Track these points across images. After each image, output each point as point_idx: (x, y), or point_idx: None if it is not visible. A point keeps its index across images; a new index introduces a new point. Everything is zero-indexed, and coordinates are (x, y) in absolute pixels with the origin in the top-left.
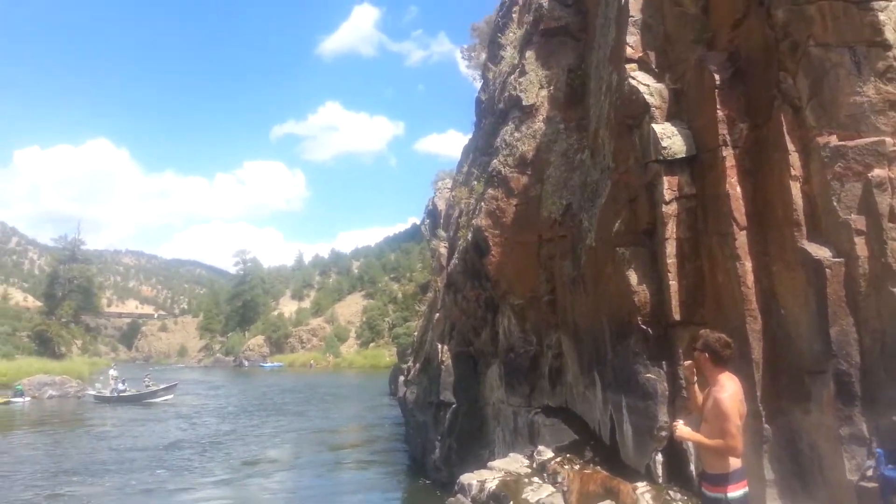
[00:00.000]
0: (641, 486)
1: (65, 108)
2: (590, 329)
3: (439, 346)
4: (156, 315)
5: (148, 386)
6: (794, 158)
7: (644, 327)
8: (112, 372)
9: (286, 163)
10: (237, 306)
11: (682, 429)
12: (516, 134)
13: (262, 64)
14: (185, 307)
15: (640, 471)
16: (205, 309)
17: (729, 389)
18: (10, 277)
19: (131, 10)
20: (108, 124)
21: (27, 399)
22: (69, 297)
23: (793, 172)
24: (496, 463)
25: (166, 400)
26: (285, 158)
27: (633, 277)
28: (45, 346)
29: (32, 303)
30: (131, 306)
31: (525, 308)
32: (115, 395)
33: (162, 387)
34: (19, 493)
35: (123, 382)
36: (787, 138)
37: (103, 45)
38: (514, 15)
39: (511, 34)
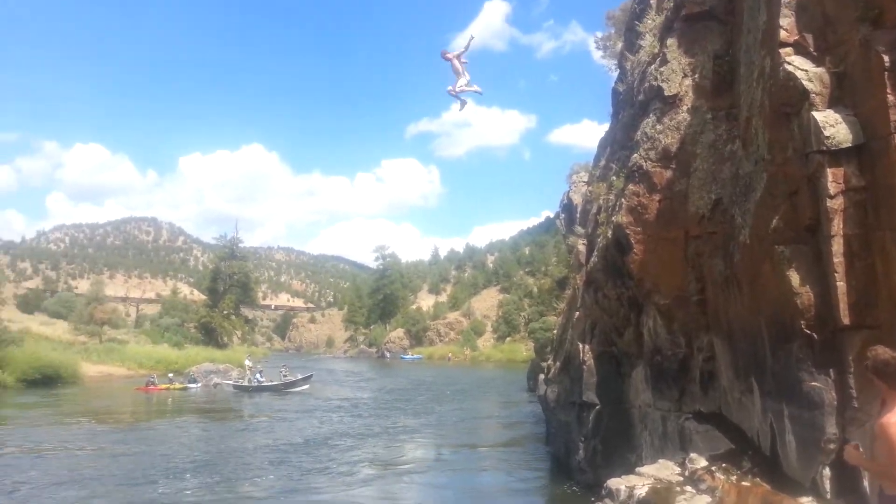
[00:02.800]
0: (807, 502)
1: (222, 116)
2: (746, 332)
3: (580, 345)
4: (305, 308)
5: (285, 376)
6: None
7: (808, 332)
8: (247, 362)
9: (421, 160)
10: (378, 300)
11: (852, 452)
12: (658, 126)
13: (396, 65)
14: (331, 300)
15: (804, 484)
16: (349, 302)
17: None
18: (179, 273)
19: (273, 20)
20: (260, 130)
21: (199, 384)
22: (230, 291)
23: None
24: (645, 469)
25: (303, 390)
26: (420, 156)
27: (794, 278)
28: (210, 336)
29: (198, 296)
30: (283, 299)
31: (672, 308)
32: (254, 384)
33: (299, 377)
34: (166, 481)
35: (260, 373)
36: None
37: (251, 56)
38: (651, 1)
39: (650, 21)
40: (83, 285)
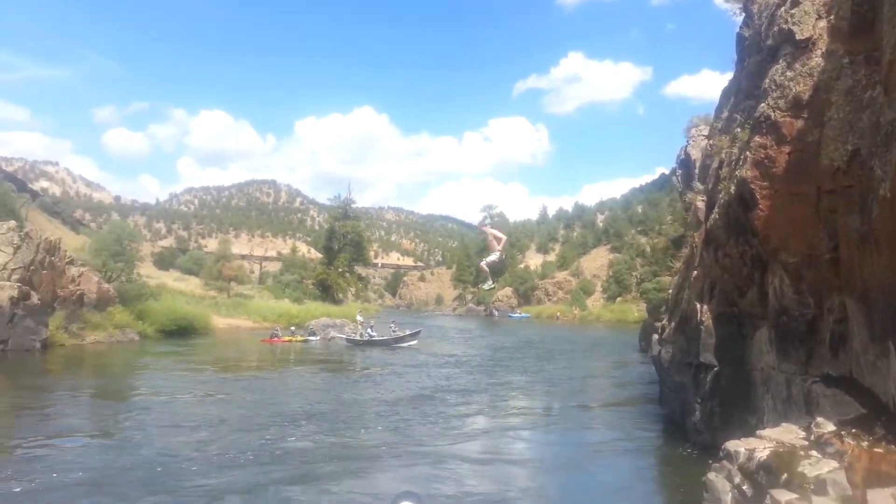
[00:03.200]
0: None
1: (335, 80)
2: (884, 292)
3: (698, 305)
4: (415, 266)
5: (394, 332)
6: None
7: None
8: (358, 318)
9: (529, 118)
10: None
11: None
12: (789, 73)
13: (502, 21)
14: (440, 259)
15: None
16: (457, 261)
17: None
18: (297, 232)
19: None
20: (371, 93)
21: (317, 338)
22: (344, 250)
23: None
24: (767, 432)
25: (411, 345)
26: (528, 114)
27: None
28: (326, 292)
29: (314, 255)
30: (394, 258)
31: (800, 267)
32: (365, 338)
33: (408, 332)
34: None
35: (371, 328)
36: None
37: (360, 22)
38: None
39: None
40: (211, 244)
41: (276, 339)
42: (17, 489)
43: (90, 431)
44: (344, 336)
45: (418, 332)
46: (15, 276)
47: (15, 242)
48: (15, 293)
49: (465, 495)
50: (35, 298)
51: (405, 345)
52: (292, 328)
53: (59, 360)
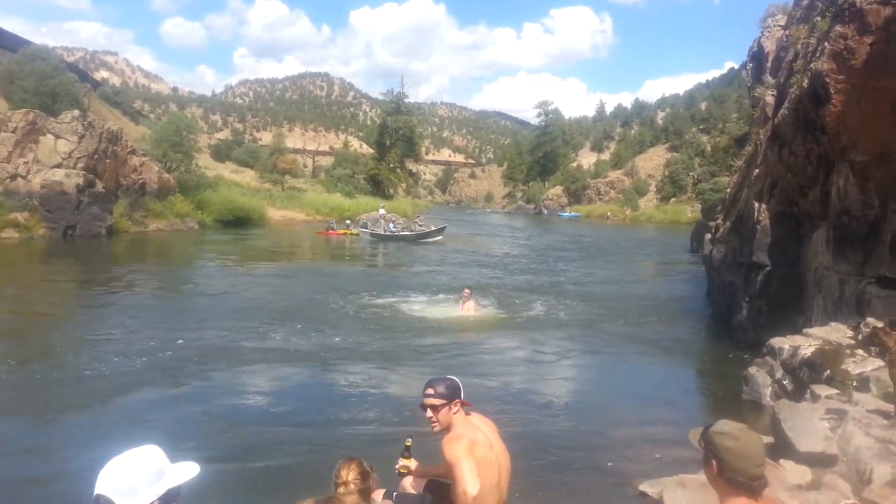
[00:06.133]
0: None
1: None
2: None
3: (756, 204)
4: (465, 163)
5: (420, 226)
6: None
7: None
8: (381, 211)
9: (594, 7)
10: (538, 157)
11: None
12: None
13: None
14: (491, 156)
15: None
16: (508, 158)
17: None
18: (349, 127)
19: None
20: None
21: (369, 230)
22: (395, 145)
23: None
24: (813, 330)
25: (437, 241)
26: (593, 3)
27: None
28: (377, 187)
29: (366, 150)
30: (445, 154)
31: (869, 166)
32: (388, 233)
33: (432, 228)
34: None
35: (392, 223)
36: None
37: None
38: None
39: None
40: (266, 137)
41: (331, 230)
42: (73, 371)
43: (148, 319)
44: (368, 230)
45: (443, 228)
46: (80, 165)
47: (79, 131)
48: (81, 181)
49: (503, 387)
50: (99, 186)
51: (430, 240)
52: (347, 221)
53: (123, 245)
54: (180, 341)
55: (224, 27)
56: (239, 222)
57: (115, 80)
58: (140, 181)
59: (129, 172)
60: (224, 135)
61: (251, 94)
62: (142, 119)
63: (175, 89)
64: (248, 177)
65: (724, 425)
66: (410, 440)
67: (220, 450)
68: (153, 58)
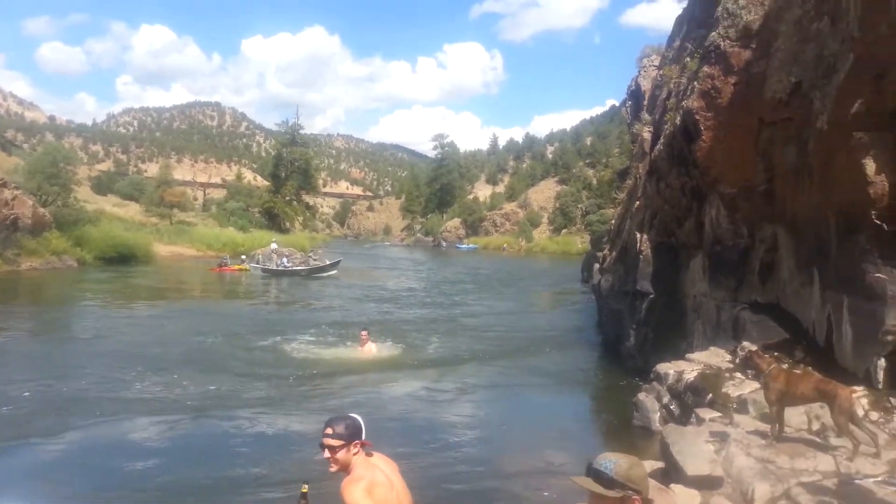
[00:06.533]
0: (859, 391)
1: None
2: (812, 222)
3: (638, 235)
4: (364, 196)
5: (314, 260)
6: None
7: (878, 222)
8: (273, 245)
9: (484, 44)
10: (435, 189)
11: None
12: (741, 1)
13: None
14: (389, 189)
15: (857, 375)
16: (406, 191)
17: None
18: (242, 158)
19: None
20: (322, 11)
21: (261, 265)
22: (291, 177)
23: None
24: (695, 355)
25: (332, 275)
26: (483, 40)
27: (869, 166)
28: (273, 221)
29: (261, 182)
30: (342, 187)
31: (736, 198)
32: (280, 268)
33: (326, 262)
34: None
35: (286, 257)
36: None
37: None
38: None
39: None
40: (152, 168)
41: (225, 266)
42: None
43: (13, 365)
44: (259, 266)
45: (338, 262)
46: None
47: None
48: None
49: (402, 425)
50: None
51: (325, 275)
52: (242, 256)
53: None
54: (47, 390)
55: (106, 52)
56: (122, 259)
57: None
58: (12, 216)
59: None
60: (106, 166)
61: (136, 123)
62: (15, 150)
63: (52, 118)
64: (132, 210)
65: (620, 459)
66: (307, 486)
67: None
68: (28, 83)
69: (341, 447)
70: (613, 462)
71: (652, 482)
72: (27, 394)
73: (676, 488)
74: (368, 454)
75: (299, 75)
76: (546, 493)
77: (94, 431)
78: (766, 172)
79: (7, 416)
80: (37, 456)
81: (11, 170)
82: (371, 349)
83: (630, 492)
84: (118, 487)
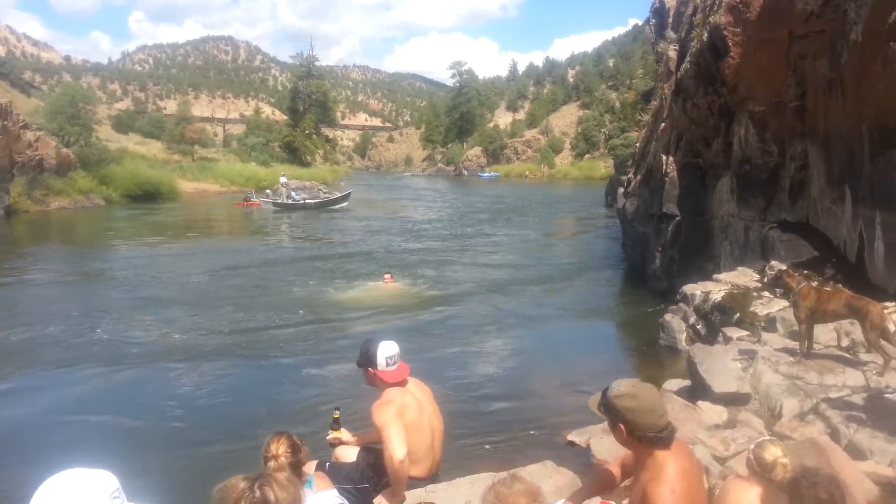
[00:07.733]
0: (891, 307)
1: None
2: (845, 138)
3: (664, 157)
4: (383, 127)
5: (325, 193)
6: None
7: None
8: (282, 179)
9: None
10: (455, 118)
11: None
12: None
13: None
14: (408, 119)
15: (888, 291)
16: (426, 121)
17: None
18: (259, 93)
19: None
20: None
21: (271, 199)
22: (309, 110)
23: None
24: (723, 276)
25: (342, 207)
26: None
27: None
28: (294, 155)
29: (279, 116)
30: (361, 119)
31: (766, 116)
32: (290, 202)
33: (337, 195)
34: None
35: (295, 191)
36: None
37: None
38: None
39: None
40: (170, 106)
41: (250, 202)
42: None
43: (57, 306)
44: (270, 200)
45: (348, 195)
46: None
47: None
48: None
49: (432, 355)
50: None
51: (336, 207)
52: (268, 191)
53: (23, 226)
54: (97, 330)
55: None
56: (148, 196)
57: (0, 50)
58: (37, 157)
59: (23, 148)
60: (125, 105)
61: (151, 60)
62: (33, 91)
63: (68, 58)
64: (154, 148)
65: (619, 386)
66: (338, 412)
67: (145, 436)
68: (41, 24)
69: (362, 369)
70: (614, 388)
71: (679, 400)
72: (69, 335)
73: (703, 405)
74: (403, 380)
75: (312, 5)
76: (577, 415)
77: (133, 373)
78: (797, 88)
79: (35, 356)
80: (78, 390)
81: (32, 111)
82: (394, 285)
83: (615, 418)
84: (166, 413)
